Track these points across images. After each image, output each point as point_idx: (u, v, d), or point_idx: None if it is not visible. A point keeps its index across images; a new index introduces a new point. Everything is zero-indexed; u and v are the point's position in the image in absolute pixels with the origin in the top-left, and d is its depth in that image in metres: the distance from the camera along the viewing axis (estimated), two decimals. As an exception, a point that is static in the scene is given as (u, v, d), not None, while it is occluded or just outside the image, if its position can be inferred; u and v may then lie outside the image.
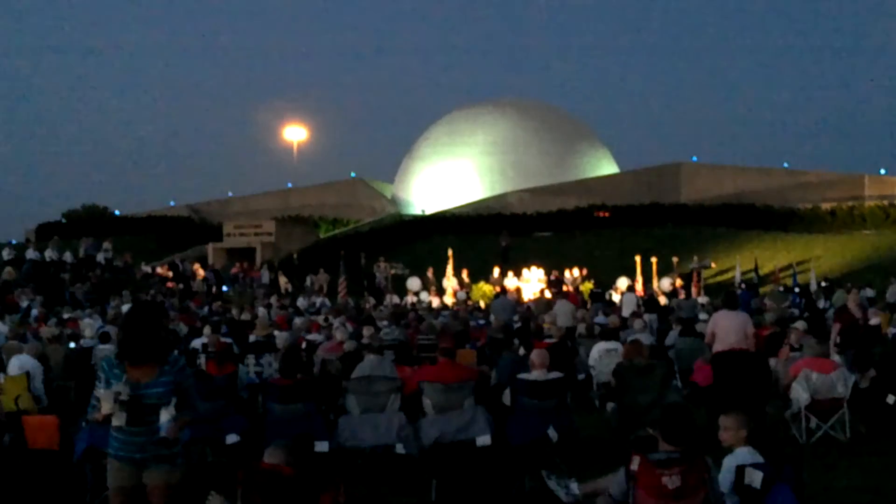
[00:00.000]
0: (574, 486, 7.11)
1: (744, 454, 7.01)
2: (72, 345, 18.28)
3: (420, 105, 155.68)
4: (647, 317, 23.95)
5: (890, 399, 12.68)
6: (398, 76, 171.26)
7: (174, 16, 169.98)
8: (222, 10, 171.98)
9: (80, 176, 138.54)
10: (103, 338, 18.21)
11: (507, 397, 11.83)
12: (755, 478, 6.58)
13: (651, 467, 6.38)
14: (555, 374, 11.66)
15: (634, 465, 6.41)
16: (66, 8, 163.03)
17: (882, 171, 56.85)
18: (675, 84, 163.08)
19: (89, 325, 20.80)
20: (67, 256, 38.53)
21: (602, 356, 16.23)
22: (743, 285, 37.46)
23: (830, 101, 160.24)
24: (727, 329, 13.02)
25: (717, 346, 13.02)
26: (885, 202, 49.17)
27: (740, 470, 6.71)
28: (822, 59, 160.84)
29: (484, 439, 10.97)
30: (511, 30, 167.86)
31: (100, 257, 39.42)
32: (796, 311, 28.31)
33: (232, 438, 11.38)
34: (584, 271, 39.99)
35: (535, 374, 11.58)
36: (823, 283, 36.65)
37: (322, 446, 10.89)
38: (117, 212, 68.63)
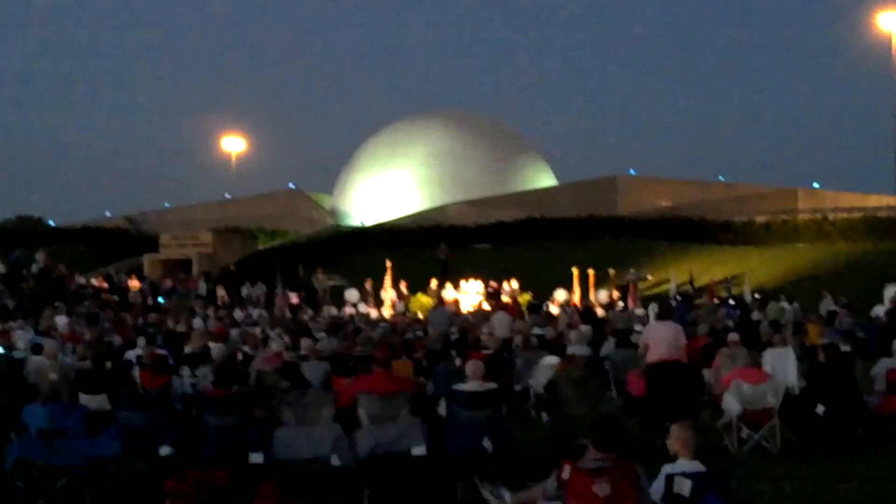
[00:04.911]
0: (507, 495, 7.14)
1: (682, 464, 6.93)
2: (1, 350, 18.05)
3: (359, 117, 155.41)
4: (582, 328, 24.06)
5: (819, 409, 12.88)
6: (337, 87, 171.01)
7: (110, 26, 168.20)
8: (160, 20, 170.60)
9: (14, 186, 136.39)
10: (35, 349, 17.95)
11: (442, 408, 11.85)
12: (683, 486, 6.65)
13: (581, 475, 6.43)
14: (490, 385, 11.69)
15: (565, 474, 6.45)
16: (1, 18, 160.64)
17: (815, 185, 57.96)
18: (612, 97, 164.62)
19: (22, 337, 20.48)
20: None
21: (548, 368, 15.80)
22: (678, 297, 37.85)
23: (765, 114, 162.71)
24: (659, 340, 13.17)
25: (650, 357, 13.17)
26: (819, 215, 49.93)
27: (669, 479, 6.76)
28: (758, 73, 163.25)
29: (419, 449, 10.97)
30: (449, 43, 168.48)
31: (33, 268, 38.90)
32: (731, 323, 28.63)
33: (165, 450, 11.29)
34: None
35: (471, 385, 11.60)
36: (757, 296, 37.19)
37: (257, 458, 10.82)
38: (52, 222, 67.74)
